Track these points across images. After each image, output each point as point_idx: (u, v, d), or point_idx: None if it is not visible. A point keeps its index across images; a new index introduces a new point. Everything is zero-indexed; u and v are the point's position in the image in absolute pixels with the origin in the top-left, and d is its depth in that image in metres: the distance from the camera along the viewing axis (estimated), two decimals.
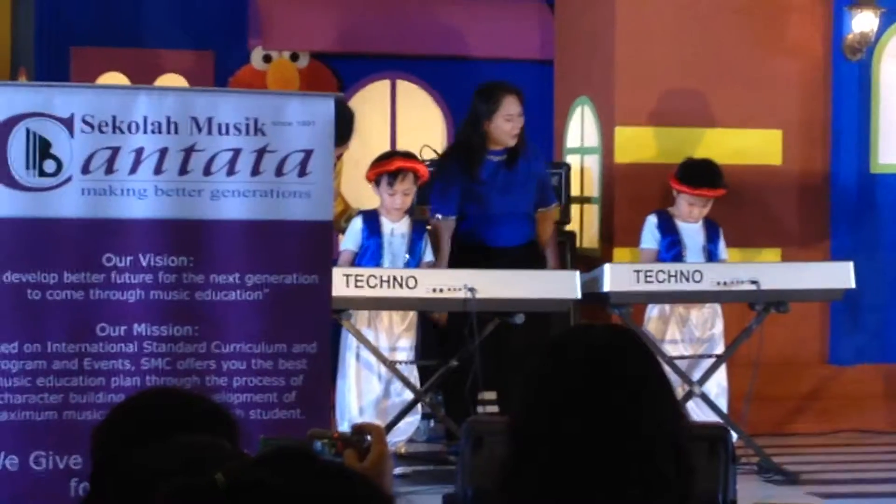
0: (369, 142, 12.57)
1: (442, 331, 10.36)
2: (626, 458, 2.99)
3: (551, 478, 3.01)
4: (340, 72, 13.45)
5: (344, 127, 10.90)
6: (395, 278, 9.80)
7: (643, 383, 3.09)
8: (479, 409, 10.04)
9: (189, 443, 3.04)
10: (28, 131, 5.51)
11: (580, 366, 3.11)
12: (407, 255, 10.25)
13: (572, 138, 12.90)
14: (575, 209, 12.33)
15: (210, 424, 3.32)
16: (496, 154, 10.56)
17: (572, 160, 12.66)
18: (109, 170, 5.56)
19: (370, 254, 10.20)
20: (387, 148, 12.05)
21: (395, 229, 10.29)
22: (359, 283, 9.66)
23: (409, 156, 10.66)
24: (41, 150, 5.51)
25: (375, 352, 10.04)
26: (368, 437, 3.17)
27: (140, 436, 3.25)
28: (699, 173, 10.73)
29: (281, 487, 1.81)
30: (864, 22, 12.11)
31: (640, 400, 3.06)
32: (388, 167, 10.28)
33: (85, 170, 5.55)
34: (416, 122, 13.66)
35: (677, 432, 3.13)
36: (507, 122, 10.54)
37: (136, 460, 3.07)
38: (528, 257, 10.46)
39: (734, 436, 10.02)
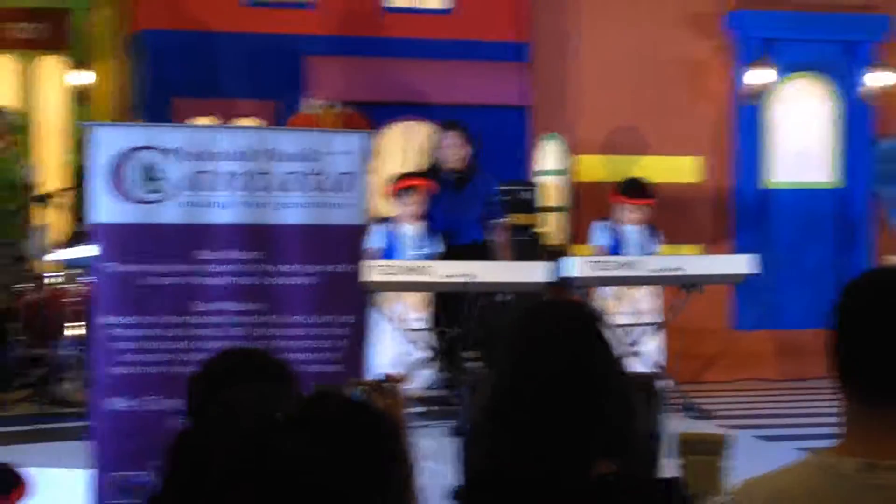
0: (390, 166, 12.58)
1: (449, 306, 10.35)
2: (587, 406, 2.97)
3: (522, 423, 2.99)
4: (372, 115, 13.44)
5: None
6: (412, 268, 9.83)
7: (599, 347, 3.07)
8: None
9: (259, 388, 3.05)
10: (141, 160, 5.52)
11: (550, 333, 3.10)
12: (420, 251, 10.24)
13: (543, 163, 12.90)
14: (547, 217, 12.34)
15: (275, 376, 3.33)
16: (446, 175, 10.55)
17: (543, 180, 12.66)
18: (201, 188, 5.56)
19: (392, 251, 10.17)
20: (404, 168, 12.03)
21: (410, 232, 10.27)
22: (385, 272, 9.68)
23: (420, 175, 10.66)
24: (150, 173, 5.51)
25: (399, 322, 10.06)
26: (393, 385, 3.18)
27: (223, 383, 3.25)
28: (633, 188, 10.75)
29: (324, 420, 1.80)
30: (760, 76, 12.13)
31: (593, 357, 3.04)
32: (404, 184, 10.28)
33: (183, 188, 5.55)
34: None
35: (622, 382, 3.11)
36: (447, 150, 10.58)
37: (220, 400, 3.07)
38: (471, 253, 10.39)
39: (666, 382, 10.06)
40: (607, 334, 3.14)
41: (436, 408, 9.99)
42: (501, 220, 10.78)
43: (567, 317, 3.15)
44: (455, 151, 10.60)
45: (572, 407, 2.95)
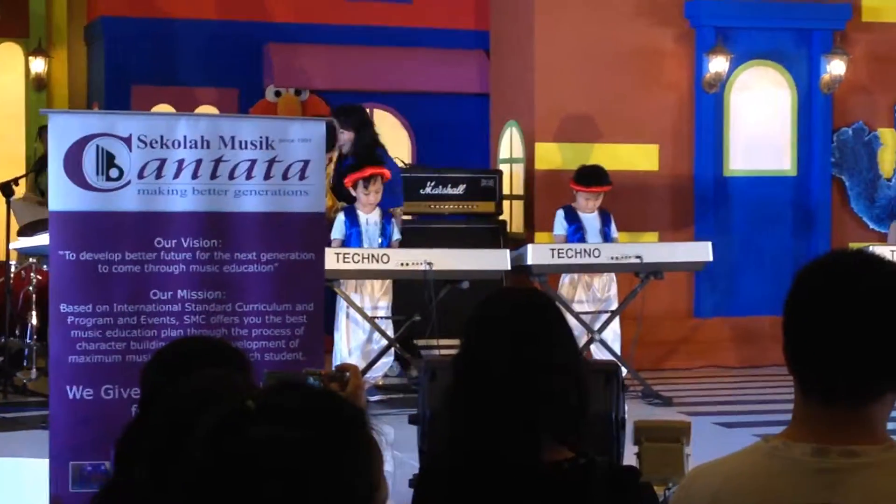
0: None
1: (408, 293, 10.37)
2: (538, 386, 2.99)
3: (481, 402, 3.01)
4: (331, 103, 13.41)
5: (329, 139, 10.95)
6: (372, 255, 9.85)
7: (553, 332, 3.09)
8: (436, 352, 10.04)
9: (212, 375, 3.04)
10: (98, 147, 5.49)
11: (506, 318, 3.12)
12: (380, 238, 10.26)
13: (504, 152, 12.91)
14: (506, 204, 12.33)
15: (230, 363, 3.32)
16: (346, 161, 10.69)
17: (504, 168, 12.66)
18: (158, 175, 5.54)
19: (353, 239, 10.21)
20: None
21: (370, 219, 10.29)
22: (346, 260, 9.70)
23: (380, 164, 10.66)
24: (107, 161, 5.49)
25: (360, 310, 10.07)
26: (348, 374, 3.18)
27: (176, 371, 3.25)
28: (589, 175, 10.80)
29: (295, 407, 1.82)
30: (718, 64, 12.15)
31: (550, 344, 3.05)
32: (363, 174, 10.28)
33: (140, 175, 5.53)
34: (388, 139, 13.62)
35: (578, 368, 3.12)
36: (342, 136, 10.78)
37: (174, 389, 3.07)
38: None
39: (624, 370, 10.08)
40: (563, 322, 3.16)
41: (398, 395, 10.03)
42: (399, 207, 10.85)
43: (522, 304, 3.17)
44: (343, 137, 10.71)
45: (526, 394, 2.97)
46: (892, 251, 10.46)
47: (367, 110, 12.01)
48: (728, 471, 2.69)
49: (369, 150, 10.74)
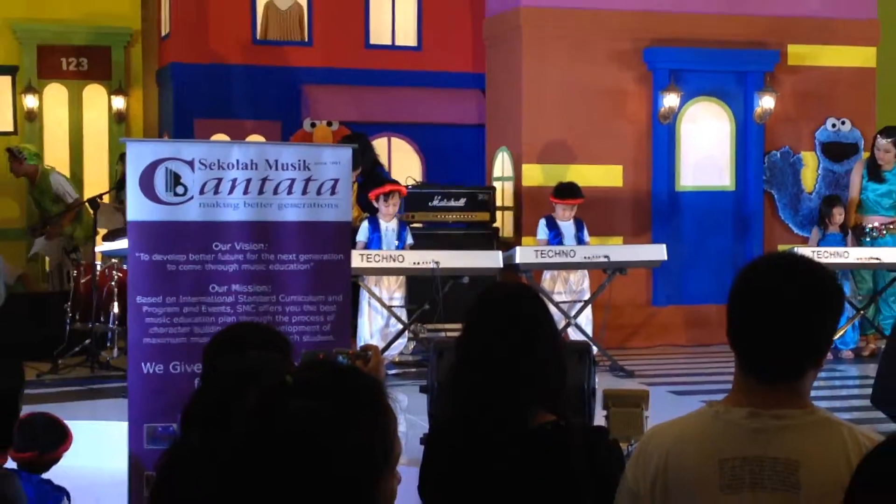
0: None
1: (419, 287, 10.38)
2: (527, 362, 2.99)
3: (478, 377, 3.00)
4: (356, 132, 13.42)
5: (356, 160, 10.97)
6: (390, 256, 9.86)
7: (538, 318, 3.08)
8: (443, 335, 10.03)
9: (258, 355, 3.04)
10: (166, 169, 5.49)
11: (499, 306, 3.11)
12: (397, 242, 10.27)
13: (497, 171, 12.90)
14: (499, 214, 12.34)
15: (274, 344, 3.32)
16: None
17: (497, 185, 12.66)
18: (216, 192, 5.54)
19: (374, 243, 10.22)
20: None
21: (389, 227, 10.30)
22: (368, 260, 9.70)
23: (396, 181, 10.71)
24: (174, 180, 5.49)
25: (379, 300, 10.08)
26: (370, 353, 3.17)
27: (230, 350, 3.25)
28: (565, 190, 10.82)
29: (324, 381, 1.81)
30: (670, 101, 12.14)
31: (536, 328, 3.05)
32: (383, 190, 10.30)
33: (201, 192, 5.53)
34: (402, 162, 13.66)
35: (558, 347, 3.12)
36: None
37: (227, 366, 3.07)
38: None
39: (595, 349, 10.07)
40: (546, 310, 3.16)
41: (411, 370, 10.03)
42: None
43: (513, 296, 3.17)
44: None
45: (516, 368, 2.97)
46: (813, 251, 10.47)
47: (370, 137, 11.98)
48: (678, 430, 2.70)
49: (371, 170, 10.81)
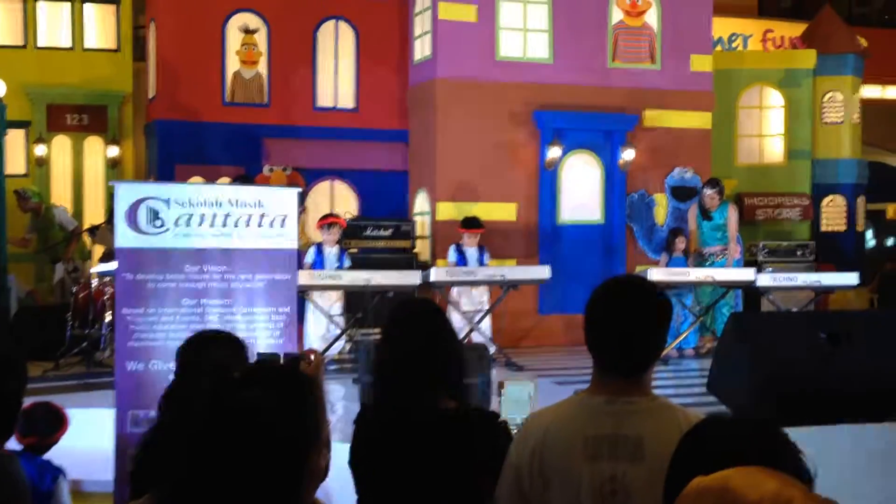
0: (321, 208, 12.51)
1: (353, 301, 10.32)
2: (435, 360, 2.98)
3: (393, 372, 2.99)
4: (306, 176, 13.35)
5: (302, 200, 10.96)
6: (331, 275, 9.79)
7: (438, 324, 3.08)
8: (372, 338, 9.99)
9: (220, 356, 3.01)
10: (147, 206, 5.40)
11: (407, 317, 3.10)
12: (337, 264, 10.21)
13: (417, 208, 12.94)
14: (418, 242, 12.36)
15: (233, 347, 3.28)
16: None
17: (417, 218, 12.67)
18: (188, 224, 5.46)
19: (319, 264, 10.16)
20: (328, 211, 11.96)
21: (331, 252, 10.24)
22: (314, 278, 9.64)
23: (337, 215, 10.67)
24: (154, 215, 5.40)
25: (322, 310, 10.00)
26: (312, 355, 3.14)
27: (198, 352, 3.21)
28: (470, 222, 10.86)
29: (265, 377, 1.81)
30: (554, 152, 12.27)
31: (437, 332, 3.05)
32: (327, 221, 10.26)
33: (175, 224, 5.44)
34: (343, 200, 13.62)
35: (458, 349, 3.11)
36: None
37: (194, 363, 3.03)
38: None
39: (493, 349, 10.10)
40: (447, 320, 3.15)
41: (347, 366, 9.97)
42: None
43: (420, 308, 3.16)
44: None
45: (422, 364, 2.96)
46: (663, 272, 10.61)
47: (317, 180, 11.92)
48: (553, 414, 2.72)
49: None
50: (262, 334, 5.53)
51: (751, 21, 18.37)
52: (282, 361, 3.01)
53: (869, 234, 21.49)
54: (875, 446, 5.91)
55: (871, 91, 19.42)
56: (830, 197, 15.49)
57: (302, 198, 11.65)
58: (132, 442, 4.84)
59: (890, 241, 22.50)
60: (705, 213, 11.45)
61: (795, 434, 1.79)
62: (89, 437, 6.31)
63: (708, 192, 11.38)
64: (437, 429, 2.91)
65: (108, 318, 9.81)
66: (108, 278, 9.88)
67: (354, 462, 3.07)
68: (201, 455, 1.76)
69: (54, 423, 4.17)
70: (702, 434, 1.81)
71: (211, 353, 3.20)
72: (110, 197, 12.33)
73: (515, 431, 2.84)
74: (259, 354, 3.22)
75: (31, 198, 11.91)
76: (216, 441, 1.74)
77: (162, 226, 5.37)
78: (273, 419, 1.74)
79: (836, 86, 15.42)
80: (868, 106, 17.54)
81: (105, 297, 9.90)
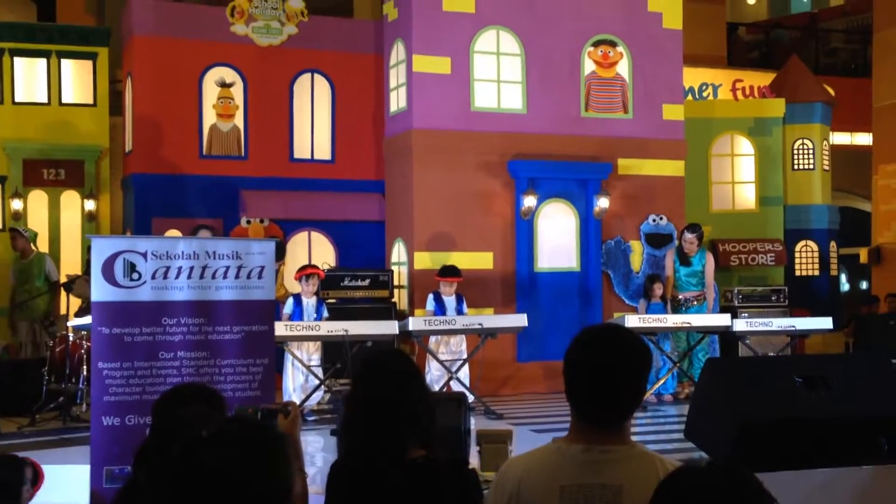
0: (298, 258, 12.47)
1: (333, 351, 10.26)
2: (404, 411, 2.95)
3: (363, 422, 2.97)
4: (284, 228, 13.33)
5: (281, 252, 10.94)
6: (309, 326, 9.73)
7: (409, 374, 3.05)
8: None
9: (195, 410, 2.98)
10: (124, 259, 5.38)
11: (377, 367, 3.08)
12: (315, 314, 10.17)
13: (395, 258, 12.92)
14: (396, 291, 12.31)
15: (209, 401, 3.25)
16: None
17: (395, 268, 12.66)
18: (165, 277, 5.43)
19: (297, 315, 10.10)
20: (306, 262, 11.93)
21: (309, 302, 10.20)
22: (292, 329, 9.58)
23: (315, 266, 10.63)
24: (130, 268, 5.37)
25: (300, 361, 9.93)
26: (290, 408, 3.11)
27: (174, 407, 3.17)
28: (447, 271, 10.86)
29: (234, 433, 1.79)
30: (529, 201, 12.32)
31: (409, 381, 3.02)
32: (305, 273, 10.23)
33: (153, 277, 5.42)
34: (321, 251, 13.59)
35: (428, 399, 3.08)
36: None
37: (170, 418, 3.00)
38: None
39: (472, 397, 10.05)
40: (417, 371, 3.13)
41: (326, 416, 9.90)
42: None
43: (389, 357, 3.14)
44: None
45: (392, 413, 2.94)
46: (641, 318, 10.64)
47: (294, 232, 11.90)
48: (529, 461, 2.70)
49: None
50: (239, 386, 5.49)
51: (720, 71, 18.64)
52: (259, 415, 2.99)
53: (843, 277, 21.67)
54: (851, 490, 5.90)
55: (840, 138, 19.70)
56: (803, 242, 15.63)
57: (282, 248, 11.65)
58: (107, 498, 4.78)
59: (864, 285, 22.67)
60: (683, 259, 11.51)
61: (772, 479, 1.79)
62: (65, 493, 6.22)
63: (688, 236, 11.47)
64: (405, 478, 2.89)
65: (85, 372, 9.70)
66: (84, 332, 9.79)
67: None
68: None
69: (35, 476, 4.14)
70: (676, 483, 1.83)
71: (186, 408, 3.17)
72: (88, 250, 12.33)
73: (493, 479, 2.82)
74: (237, 409, 3.20)
75: (27, 236, 11.89)
76: (185, 500, 1.72)
77: (139, 279, 5.35)
78: (242, 477, 1.73)
79: (806, 133, 15.64)
80: (837, 152, 17.79)
81: (82, 351, 9.81)
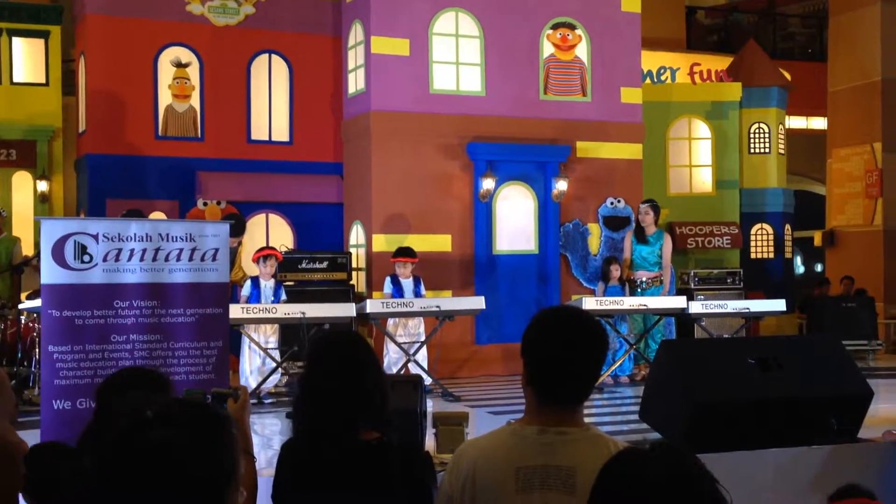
0: (256, 241, 12.37)
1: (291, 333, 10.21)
2: (357, 393, 2.93)
3: (316, 404, 2.95)
4: (242, 210, 13.21)
5: (240, 227, 10.85)
6: (266, 308, 9.66)
7: (362, 357, 3.04)
8: None
9: (140, 395, 2.95)
10: (75, 241, 5.29)
11: (330, 349, 3.06)
12: (272, 297, 10.10)
13: (352, 240, 12.87)
14: (354, 274, 12.28)
15: (155, 385, 3.21)
16: None
17: (353, 250, 12.61)
18: (116, 259, 5.35)
19: (255, 298, 10.04)
20: (264, 244, 11.83)
21: (267, 286, 10.14)
22: (249, 312, 9.50)
23: (272, 248, 10.56)
24: (81, 250, 5.29)
25: (257, 344, 9.87)
26: (240, 392, 3.08)
27: (117, 392, 3.14)
28: (402, 251, 10.85)
29: (177, 415, 1.77)
30: (488, 184, 12.31)
31: (362, 365, 3.01)
32: (262, 254, 10.16)
33: (104, 259, 5.34)
34: (278, 233, 13.50)
35: (381, 381, 3.06)
36: None
37: (115, 403, 2.96)
38: None
39: (429, 380, 10.05)
40: (372, 352, 3.11)
41: (283, 399, 9.85)
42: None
43: (340, 339, 3.12)
44: None
45: (345, 396, 2.92)
46: (598, 300, 10.69)
47: (251, 214, 11.82)
48: (484, 443, 2.70)
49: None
50: (193, 369, 5.44)
51: (679, 55, 18.71)
52: (209, 399, 2.95)
53: (798, 260, 21.94)
54: (802, 470, 5.98)
55: (796, 122, 19.90)
56: (759, 225, 15.78)
57: (241, 224, 11.50)
58: None
59: (818, 268, 22.99)
60: (641, 237, 11.59)
61: (725, 459, 1.80)
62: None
63: (643, 206, 11.59)
64: (359, 460, 2.87)
65: (37, 355, 9.57)
66: (36, 315, 9.66)
67: (276, 495, 3.02)
68: (110, 497, 1.71)
69: None
70: (618, 465, 1.85)
71: (130, 391, 3.12)
72: (40, 232, 12.16)
73: (448, 461, 2.81)
74: (186, 392, 3.16)
75: (4, 215, 11.73)
76: (124, 482, 1.69)
77: (90, 261, 5.27)
78: (185, 457, 1.70)
79: (762, 117, 15.77)
80: (793, 136, 17.97)
81: (34, 334, 9.68)
